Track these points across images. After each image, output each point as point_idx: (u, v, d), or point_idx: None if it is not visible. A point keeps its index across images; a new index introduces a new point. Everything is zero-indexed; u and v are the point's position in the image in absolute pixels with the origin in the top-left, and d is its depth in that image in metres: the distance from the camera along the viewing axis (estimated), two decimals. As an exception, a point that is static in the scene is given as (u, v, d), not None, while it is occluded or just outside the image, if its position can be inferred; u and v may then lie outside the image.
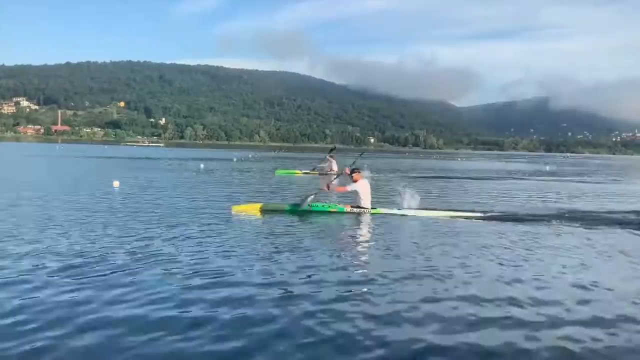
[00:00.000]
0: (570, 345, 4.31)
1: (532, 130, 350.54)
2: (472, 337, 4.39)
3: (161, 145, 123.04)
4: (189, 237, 8.32)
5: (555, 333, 4.56)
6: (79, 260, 6.61)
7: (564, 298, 5.62)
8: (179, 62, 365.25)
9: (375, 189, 13.88)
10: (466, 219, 11.55)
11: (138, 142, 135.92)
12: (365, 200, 12.07)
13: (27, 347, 3.97)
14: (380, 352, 4.07)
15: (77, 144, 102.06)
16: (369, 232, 10.11)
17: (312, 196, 12.09)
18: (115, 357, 3.86)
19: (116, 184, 16.70)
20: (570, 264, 7.32)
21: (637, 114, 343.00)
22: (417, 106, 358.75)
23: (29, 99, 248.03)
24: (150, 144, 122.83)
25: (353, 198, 12.48)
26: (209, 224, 9.68)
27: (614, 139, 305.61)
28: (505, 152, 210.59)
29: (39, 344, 4.04)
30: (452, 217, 11.69)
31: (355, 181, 12.25)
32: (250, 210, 11.62)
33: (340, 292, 5.58)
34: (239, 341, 4.17)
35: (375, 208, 12.07)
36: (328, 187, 12.57)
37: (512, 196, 18.00)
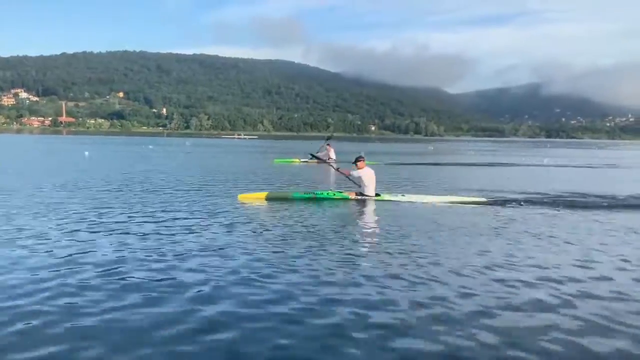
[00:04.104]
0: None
1: (526, 116, 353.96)
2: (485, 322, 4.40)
3: (255, 137, 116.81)
4: (199, 225, 8.41)
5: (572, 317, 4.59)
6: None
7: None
8: (174, 51, 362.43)
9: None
10: (471, 204, 11.62)
11: (234, 135, 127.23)
12: (370, 188, 12.09)
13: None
14: (384, 337, 4.08)
15: (117, 137, 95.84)
16: (373, 219, 10.14)
17: (321, 160, 13.06)
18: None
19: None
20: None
21: (631, 98, 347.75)
22: (412, 93, 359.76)
23: (28, 90, 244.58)
24: (247, 137, 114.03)
25: (357, 185, 12.35)
26: (216, 213, 9.72)
27: (608, 124, 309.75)
28: (518, 139, 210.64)
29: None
30: (456, 202, 11.76)
31: (359, 169, 12.29)
32: (256, 199, 11.75)
33: (349, 280, 5.56)
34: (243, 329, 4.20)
35: (379, 195, 12.14)
36: (340, 170, 12.87)
37: None
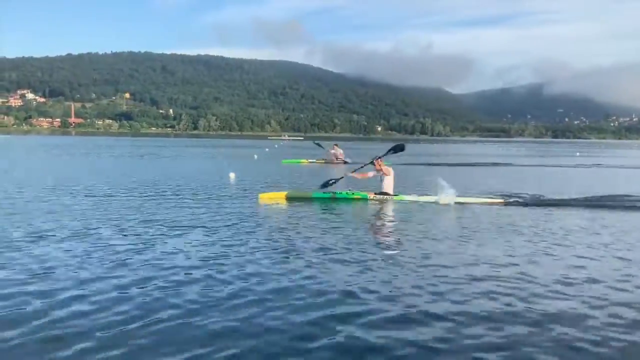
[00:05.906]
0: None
1: (529, 116, 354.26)
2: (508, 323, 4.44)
3: (300, 138, 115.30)
4: (222, 225, 8.63)
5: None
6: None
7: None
8: (178, 52, 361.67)
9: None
10: (489, 204, 11.66)
11: (281, 136, 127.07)
12: (388, 187, 12.19)
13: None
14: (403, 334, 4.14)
15: (125, 138, 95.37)
16: (392, 218, 10.21)
17: (335, 181, 12.77)
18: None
19: None
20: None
21: (634, 99, 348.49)
22: (415, 93, 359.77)
23: (34, 92, 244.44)
24: (290, 138, 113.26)
25: (376, 185, 12.56)
26: (239, 212, 9.98)
27: (612, 124, 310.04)
28: (525, 140, 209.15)
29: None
30: (476, 202, 11.79)
31: (378, 169, 12.40)
32: (277, 198, 11.94)
33: (372, 279, 5.65)
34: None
35: (397, 195, 12.16)
36: (354, 174, 12.96)
37: None
